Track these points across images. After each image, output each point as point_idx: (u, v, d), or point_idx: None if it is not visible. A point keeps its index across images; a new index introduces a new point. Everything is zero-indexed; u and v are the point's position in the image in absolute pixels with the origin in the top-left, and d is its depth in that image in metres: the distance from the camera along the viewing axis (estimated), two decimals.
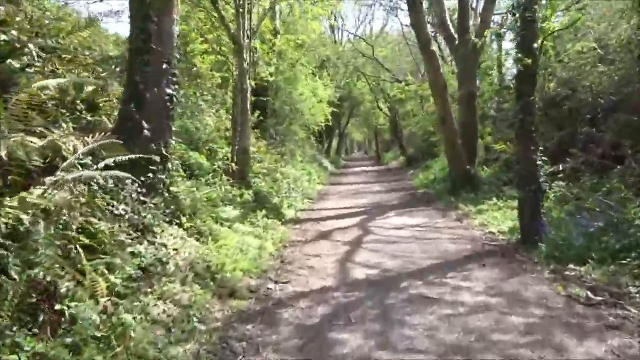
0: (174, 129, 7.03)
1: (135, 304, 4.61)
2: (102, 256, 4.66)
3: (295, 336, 4.89)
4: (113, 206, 5.67)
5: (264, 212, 10.72)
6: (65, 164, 4.59)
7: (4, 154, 4.33)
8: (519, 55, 8.09)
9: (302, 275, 7.05)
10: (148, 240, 5.80)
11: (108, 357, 3.80)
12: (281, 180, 15.07)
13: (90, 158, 5.65)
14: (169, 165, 6.74)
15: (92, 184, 5.34)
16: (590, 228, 7.48)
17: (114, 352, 3.88)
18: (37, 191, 4.29)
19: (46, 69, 7.22)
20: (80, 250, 4.38)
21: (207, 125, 13.26)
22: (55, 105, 6.10)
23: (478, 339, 4.62)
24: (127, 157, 5.48)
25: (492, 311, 5.34)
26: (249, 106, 11.40)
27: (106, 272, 4.56)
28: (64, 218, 4.42)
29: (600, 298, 5.51)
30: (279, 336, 4.89)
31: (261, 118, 17.06)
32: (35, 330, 3.61)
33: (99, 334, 3.83)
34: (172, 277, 5.46)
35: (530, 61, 8.03)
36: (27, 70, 6.33)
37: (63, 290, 3.90)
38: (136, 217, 5.86)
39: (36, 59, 7.24)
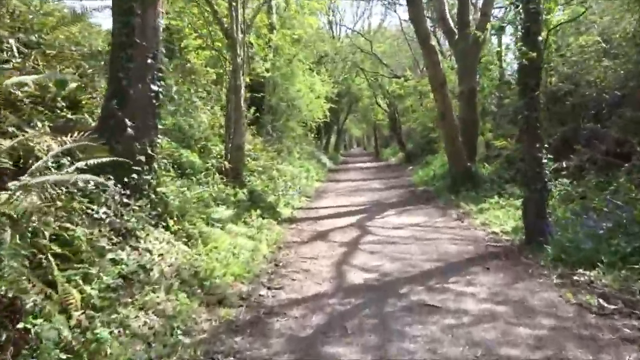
0: (161, 126, 6.67)
1: (113, 316, 4.26)
2: (77, 265, 4.29)
3: (287, 349, 4.54)
4: (93, 210, 5.31)
5: (258, 211, 10.37)
6: (34, 167, 4.23)
7: None
8: (523, 48, 7.73)
9: (297, 280, 6.70)
10: (131, 246, 5.45)
11: None
12: (277, 178, 14.72)
13: (69, 159, 5.32)
14: (155, 165, 6.38)
15: (69, 186, 4.98)
16: (598, 229, 7.14)
17: None
18: (3, 196, 3.93)
19: (27, 64, 6.86)
20: (52, 260, 4.02)
21: (201, 123, 12.91)
22: (32, 102, 5.74)
23: (484, 353, 4.28)
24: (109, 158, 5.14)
25: (498, 321, 4.99)
26: (242, 102, 11.04)
27: (81, 282, 4.20)
28: (34, 224, 4.06)
29: (613, 307, 5.17)
30: (269, 349, 4.54)
31: (257, 114, 16.69)
32: None
33: (64, 357, 3.46)
34: (155, 284, 5.10)
35: (534, 54, 7.68)
36: (3, 66, 5.96)
37: (29, 306, 3.54)
38: (118, 220, 5.51)
39: (16, 54, 6.89)
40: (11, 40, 6.93)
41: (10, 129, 4.88)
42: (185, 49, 15.87)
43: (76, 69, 8.04)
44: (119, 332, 4.19)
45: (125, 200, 5.83)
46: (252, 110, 16.21)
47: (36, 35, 7.64)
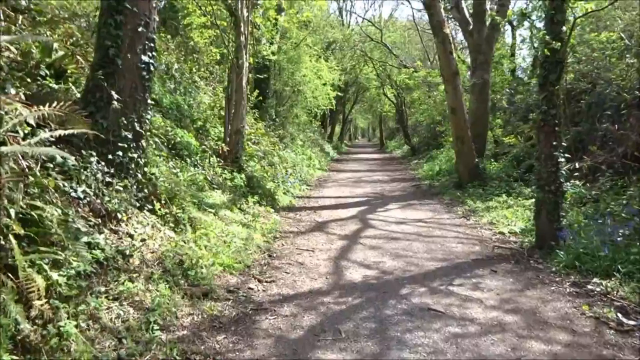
0: (152, 102, 6.17)
1: (82, 307, 3.81)
2: (43, 249, 3.84)
3: (273, 352, 4.10)
4: (71, 187, 4.85)
5: (255, 198, 9.93)
6: None
7: None
8: (546, 38, 7.22)
9: (290, 273, 6.26)
10: (110, 229, 5.00)
11: None
12: (278, 164, 14.26)
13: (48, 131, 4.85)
14: (143, 142, 5.90)
15: (44, 159, 4.53)
16: (615, 236, 6.67)
17: None
18: None
19: (13, 29, 6.38)
20: (14, 242, 3.57)
21: (201, 103, 12.44)
22: (12, 69, 5.25)
23: None
24: (86, 131, 4.67)
25: (507, 332, 4.54)
26: (244, 83, 10.52)
27: (47, 268, 3.74)
28: None
29: (634, 322, 4.70)
30: (254, 352, 4.09)
31: (260, 98, 16.18)
32: None
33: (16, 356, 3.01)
34: (134, 273, 4.66)
35: (557, 45, 7.17)
36: None
37: None
38: (98, 201, 5.05)
39: (1, 17, 6.40)
40: None
41: None
42: (189, 27, 15.38)
43: (68, 37, 7.57)
44: (87, 325, 3.74)
45: (108, 179, 5.37)
46: (256, 93, 15.72)
47: (26, 0, 7.15)
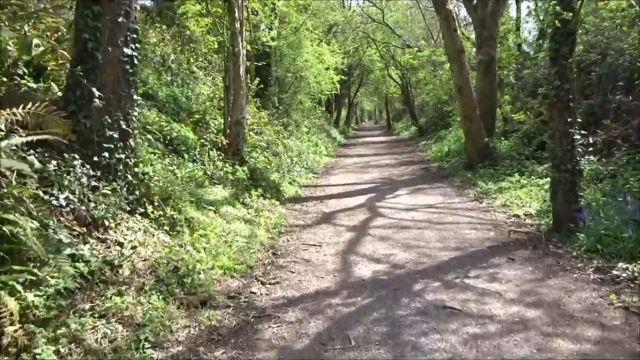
0: (137, 97, 5.78)
1: (62, 330, 3.47)
2: (17, 267, 3.50)
3: None
4: (52, 195, 4.51)
5: (259, 191, 9.56)
6: None
7: None
8: (557, 8, 6.74)
9: (296, 273, 5.90)
10: (97, 237, 4.66)
11: None
12: (283, 154, 13.87)
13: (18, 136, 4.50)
14: (131, 141, 5.53)
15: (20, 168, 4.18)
16: (637, 215, 6.25)
17: None
18: None
19: None
20: None
21: (200, 94, 12.05)
22: None
23: None
24: (62, 134, 4.32)
25: (530, 330, 4.16)
26: (242, 72, 10.10)
27: (20, 289, 3.40)
28: None
29: None
30: None
31: (261, 86, 15.74)
32: None
33: None
34: (124, 285, 4.31)
35: (569, 15, 6.69)
36: None
37: None
38: (83, 208, 4.71)
39: None
40: None
41: None
42: (184, 16, 14.95)
43: (52, 32, 7.19)
44: (68, 350, 3.41)
45: (94, 183, 5.02)
46: (257, 81, 15.29)
47: None
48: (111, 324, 3.85)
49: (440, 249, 6.64)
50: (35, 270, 3.59)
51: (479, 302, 4.77)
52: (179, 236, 5.70)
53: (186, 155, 8.42)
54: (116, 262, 4.47)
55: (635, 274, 5.17)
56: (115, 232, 4.84)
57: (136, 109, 5.65)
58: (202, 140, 9.40)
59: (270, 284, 5.47)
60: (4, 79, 5.14)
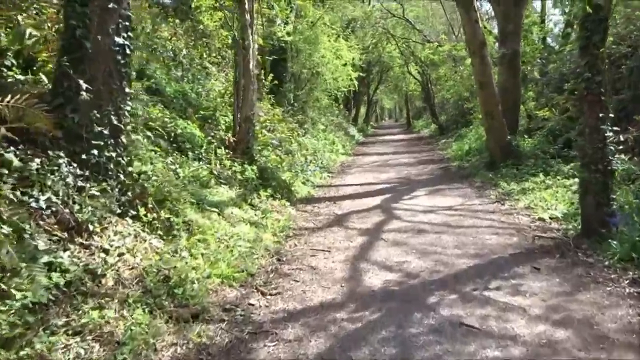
0: (129, 90, 5.37)
1: (24, 351, 3.08)
2: None
3: None
4: (31, 196, 4.14)
5: (269, 191, 9.14)
6: None
7: None
8: None
9: (300, 282, 5.45)
10: (81, 243, 4.27)
11: None
12: (297, 152, 13.45)
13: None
14: (123, 138, 5.13)
15: None
16: None
17: None
18: None
19: None
20: None
21: (210, 90, 11.67)
22: None
23: None
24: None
25: (560, 354, 3.66)
26: (252, 66, 9.67)
27: None
28: None
29: None
30: None
31: (276, 82, 15.33)
32: None
33: None
34: (105, 297, 3.91)
35: (601, 1, 6.15)
36: None
37: None
38: (67, 210, 4.32)
39: None
40: None
41: None
42: (198, 10, 14.61)
43: (54, 23, 6.84)
44: None
45: (81, 183, 4.63)
46: (270, 77, 14.88)
47: None
48: (87, 342, 3.45)
49: (458, 256, 6.14)
50: (10, 281, 3.20)
51: (500, 320, 4.27)
52: (175, 241, 5.29)
53: (191, 154, 8.03)
54: (99, 270, 4.08)
55: None
56: (101, 237, 4.45)
57: (129, 103, 5.25)
58: (209, 138, 9.01)
59: (271, 294, 5.03)
60: None
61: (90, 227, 4.35)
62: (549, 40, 19.24)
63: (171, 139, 7.90)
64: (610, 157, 6.33)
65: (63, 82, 4.75)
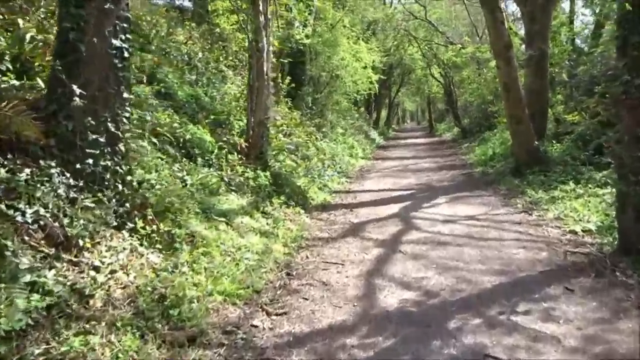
0: (127, 94, 5.04)
1: None
2: None
3: None
4: (16, 209, 3.82)
5: (282, 198, 8.77)
6: None
7: None
8: None
9: (310, 300, 5.06)
10: (70, 260, 3.94)
11: None
12: (314, 157, 13.07)
13: None
14: (121, 146, 4.80)
15: None
16: None
17: None
18: None
19: None
20: None
21: (225, 94, 11.37)
22: None
23: None
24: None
25: None
26: (266, 69, 9.33)
27: None
28: None
29: None
30: None
31: (294, 85, 15.00)
32: None
33: None
34: (93, 320, 3.57)
35: None
36: None
37: None
38: (57, 224, 4.00)
39: None
40: None
41: None
42: (215, 13, 14.38)
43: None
44: None
45: (74, 194, 4.31)
46: (288, 80, 14.55)
47: None
48: None
49: (482, 272, 5.69)
50: None
51: (531, 351, 3.82)
52: (176, 255, 4.94)
53: (200, 160, 7.70)
54: (87, 290, 3.74)
55: None
56: (92, 252, 4.11)
57: (128, 108, 4.92)
58: (221, 143, 8.67)
59: (276, 314, 4.65)
60: None
61: (81, 242, 4.02)
62: (577, 41, 18.57)
63: (180, 145, 7.58)
64: None
65: (57, 88, 4.44)
